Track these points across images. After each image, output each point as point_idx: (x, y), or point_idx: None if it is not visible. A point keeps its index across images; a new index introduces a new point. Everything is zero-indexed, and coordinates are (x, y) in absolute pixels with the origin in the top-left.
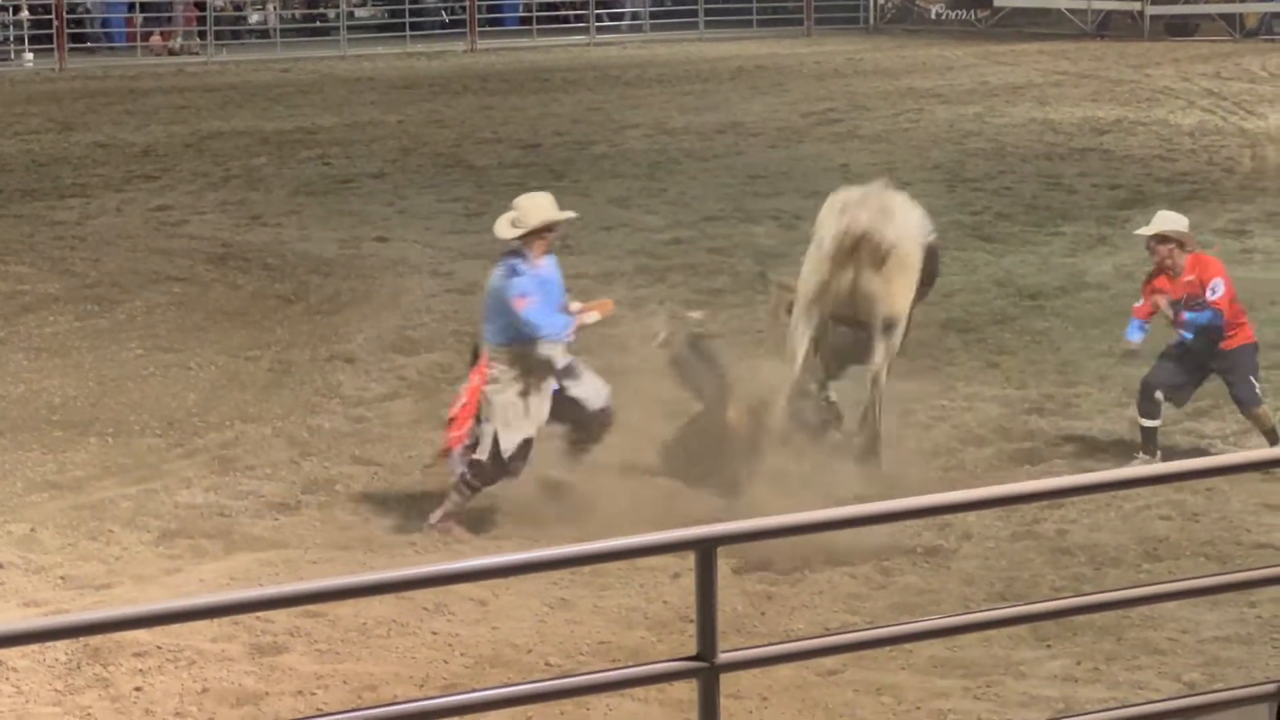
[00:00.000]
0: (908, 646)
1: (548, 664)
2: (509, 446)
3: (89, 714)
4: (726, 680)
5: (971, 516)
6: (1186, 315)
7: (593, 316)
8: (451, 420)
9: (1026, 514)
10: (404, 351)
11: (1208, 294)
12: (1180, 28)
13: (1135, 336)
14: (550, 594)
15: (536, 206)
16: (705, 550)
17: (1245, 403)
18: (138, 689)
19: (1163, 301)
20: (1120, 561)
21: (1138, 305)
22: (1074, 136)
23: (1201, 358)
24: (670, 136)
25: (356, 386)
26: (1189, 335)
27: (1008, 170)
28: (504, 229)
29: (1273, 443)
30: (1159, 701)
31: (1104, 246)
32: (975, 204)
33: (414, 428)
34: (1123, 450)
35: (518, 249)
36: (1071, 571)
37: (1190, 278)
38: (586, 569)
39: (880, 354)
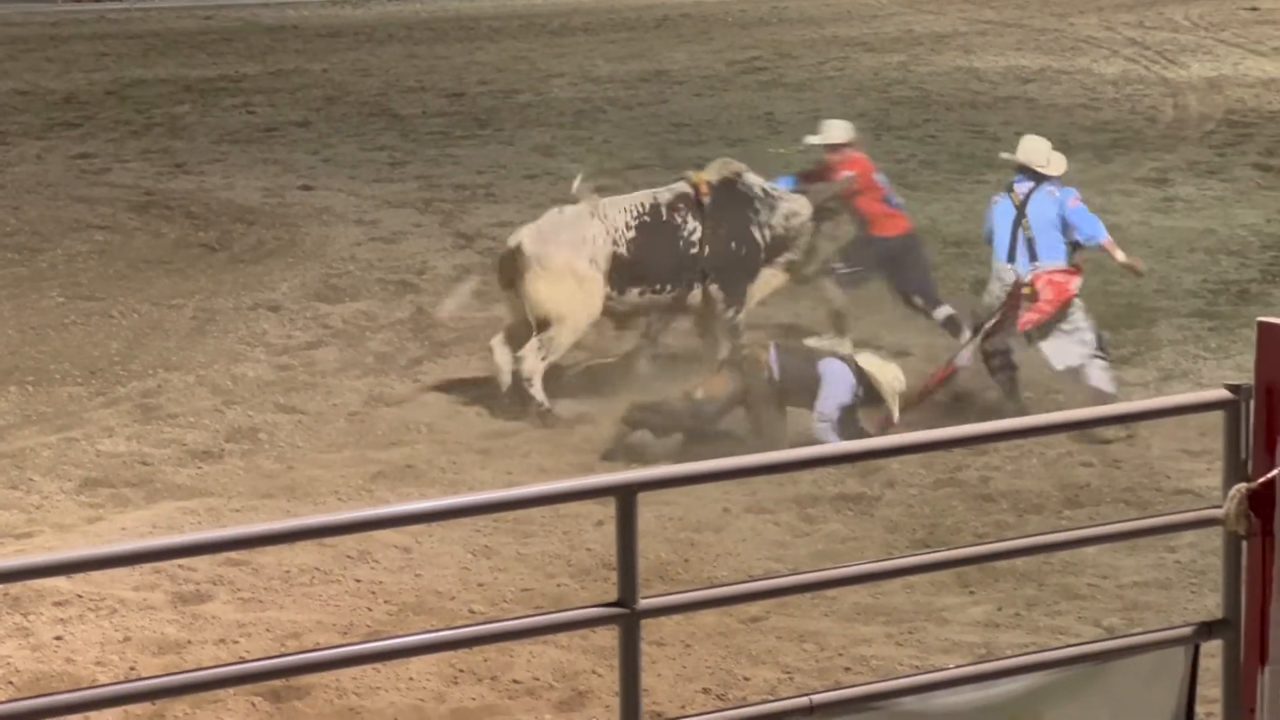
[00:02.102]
0: (830, 593)
1: (471, 611)
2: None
3: (9, 663)
4: (650, 627)
5: (895, 463)
6: None
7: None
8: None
9: (949, 461)
10: (328, 300)
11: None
12: None
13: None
14: (474, 541)
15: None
16: (625, 496)
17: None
18: (58, 638)
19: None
20: (1042, 508)
21: None
22: (998, 85)
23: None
24: (595, 85)
25: (280, 334)
26: None
27: (932, 119)
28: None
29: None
30: (1078, 645)
31: None
32: (900, 152)
33: (338, 375)
34: (1047, 396)
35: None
36: (994, 518)
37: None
38: (510, 516)
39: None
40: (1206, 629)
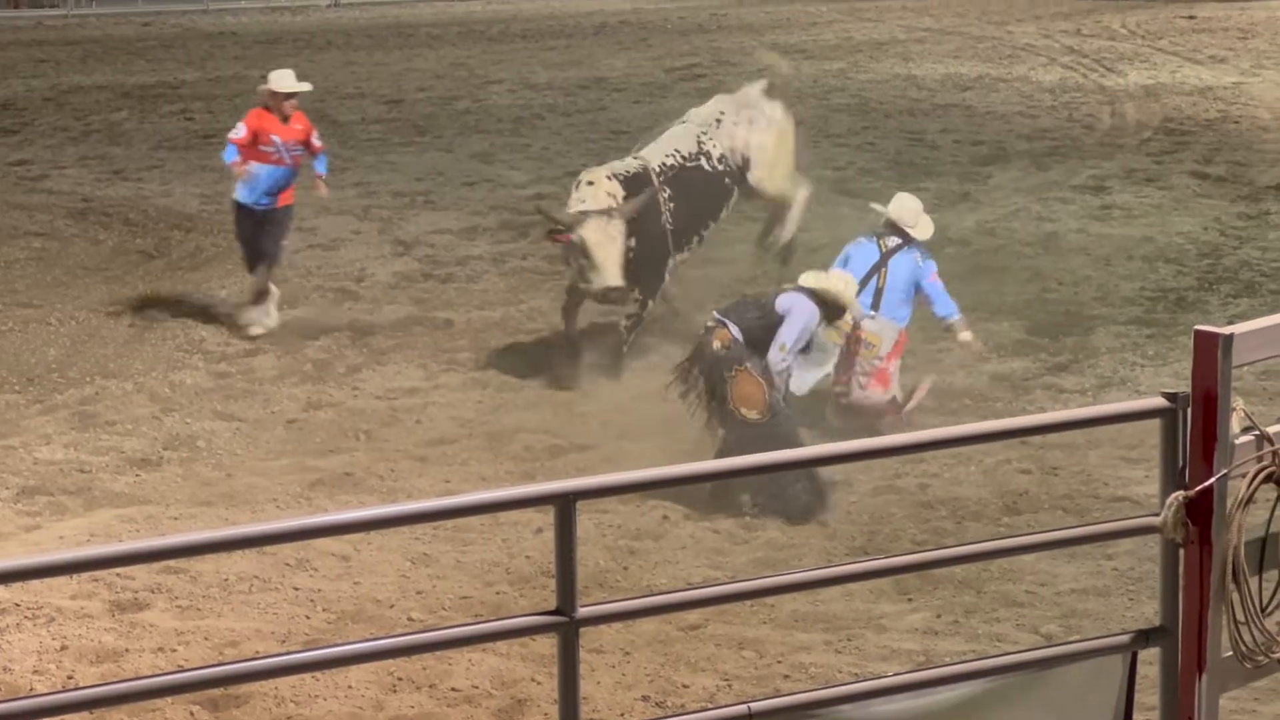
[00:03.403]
0: (769, 601)
1: (410, 619)
2: None
3: None
4: (590, 635)
5: (834, 471)
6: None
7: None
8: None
9: (888, 468)
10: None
11: (314, 141)
12: None
13: (231, 158)
14: (413, 549)
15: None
16: (564, 504)
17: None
18: None
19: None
20: (981, 515)
21: (239, 135)
22: (937, 93)
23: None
24: (534, 92)
25: (219, 342)
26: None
27: (871, 126)
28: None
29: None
30: (1017, 653)
31: (966, 202)
32: (839, 159)
33: (277, 383)
34: (984, 404)
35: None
36: (932, 525)
37: (299, 127)
38: (449, 524)
39: None
40: (1144, 636)
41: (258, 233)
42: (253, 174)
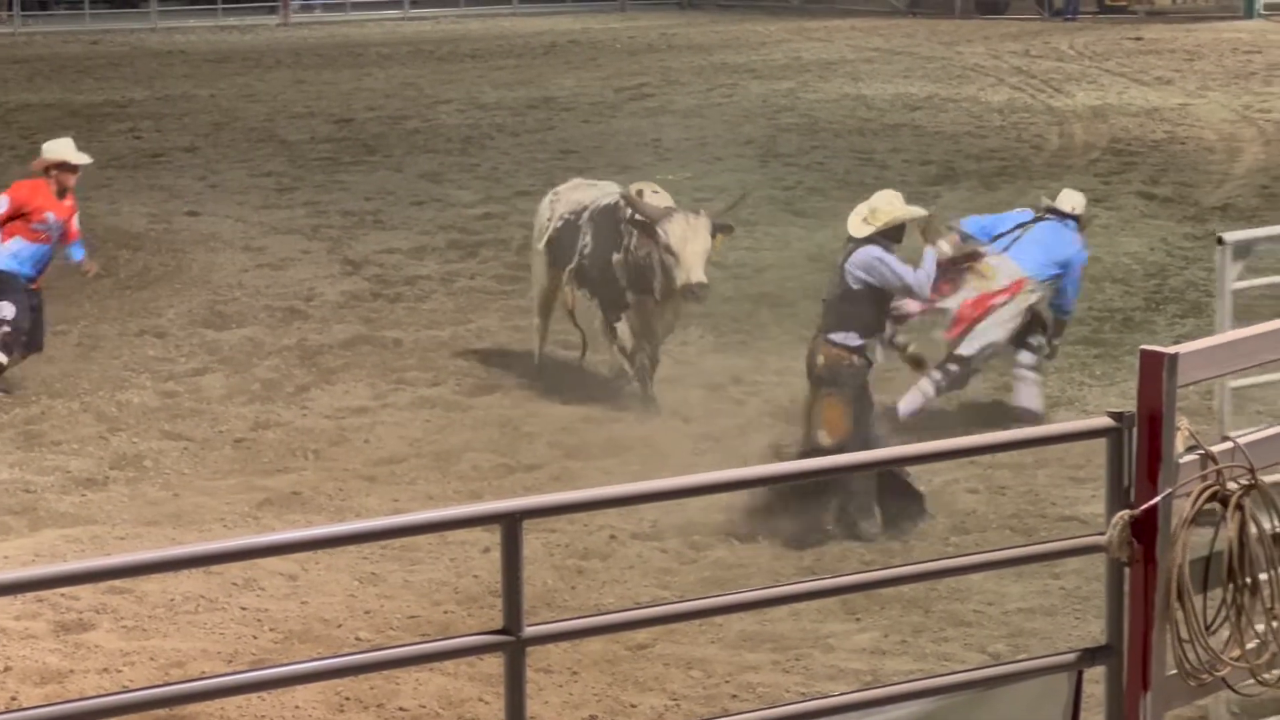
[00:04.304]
0: (717, 620)
1: (357, 639)
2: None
3: None
4: (537, 654)
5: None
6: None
7: None
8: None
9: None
10: (214, 326)
11: (74, 225)
12: (991, 6)
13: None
14: (360, 568)
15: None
16: (511, 523)
17: None
18: None
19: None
20: (928, 534)
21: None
22: (886, 112)
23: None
24: (483, 111)
25: (166, 361)
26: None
27: (820, 145)
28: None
29: None
30: (964, 672)
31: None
32: (788, 179)
33: (225, 402)
34: (932, 423)
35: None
36: (880, 545)
37: (69, 204)
38: (397, 543)
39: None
40: (1090, 655)
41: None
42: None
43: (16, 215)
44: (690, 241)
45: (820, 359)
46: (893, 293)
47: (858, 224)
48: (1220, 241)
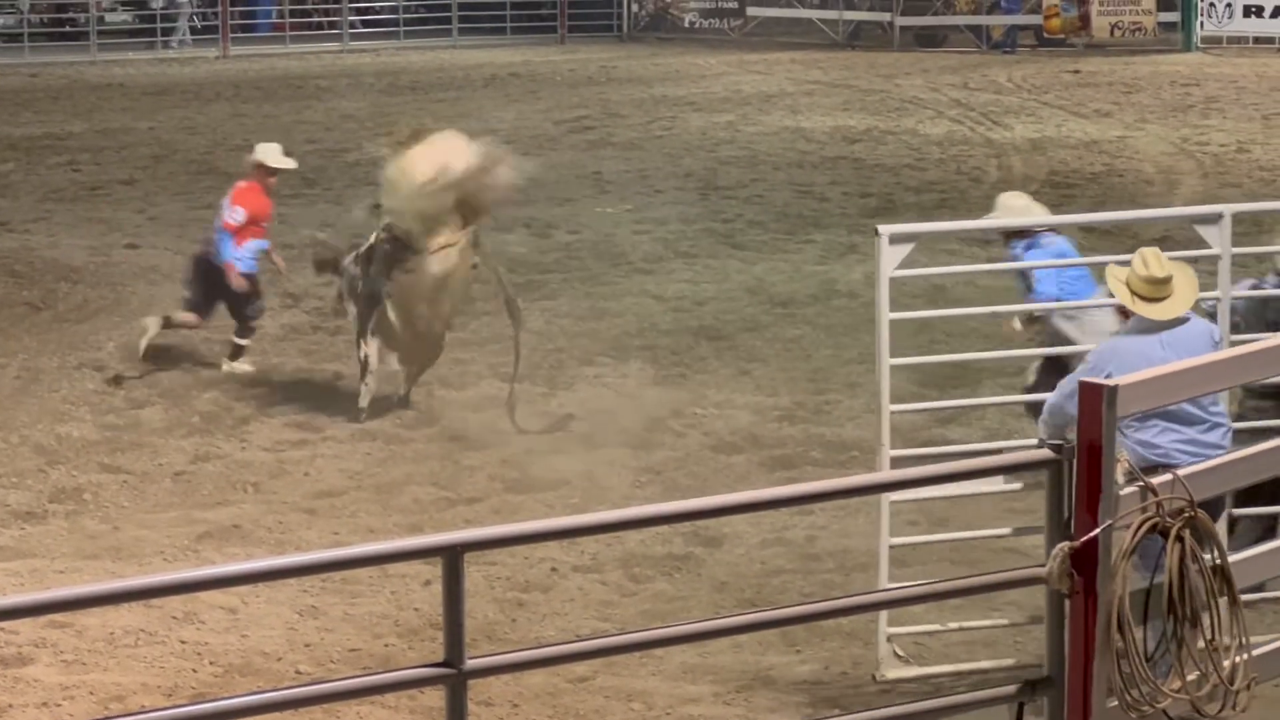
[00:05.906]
0: (658, 653)
1: (298, 672)
2: None
3: None
4: (478, 687)
5: (722, 523)
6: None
7: None
8: None
9: (776, 520)
10: (154, 359)
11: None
12: (929, 39)
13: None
14: (301, 601)
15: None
16: (452, 556)
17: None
18: None
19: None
20: (868, 566)
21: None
22: (825, 145)
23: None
24: None
25: (106, 394)
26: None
27: (760, 178)
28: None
29: None
30: (905, 704)
31: (854, 254)
32: (727, 212)
33: (164, 435)
34: (873, 455)
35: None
36: (820, 577)
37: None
38: (337, 576)
39: None
40: (1031, 687)
41: None
42: None
43: (252, 221)
44: None
45: None
46: None
47: None
48: (877, 233)
